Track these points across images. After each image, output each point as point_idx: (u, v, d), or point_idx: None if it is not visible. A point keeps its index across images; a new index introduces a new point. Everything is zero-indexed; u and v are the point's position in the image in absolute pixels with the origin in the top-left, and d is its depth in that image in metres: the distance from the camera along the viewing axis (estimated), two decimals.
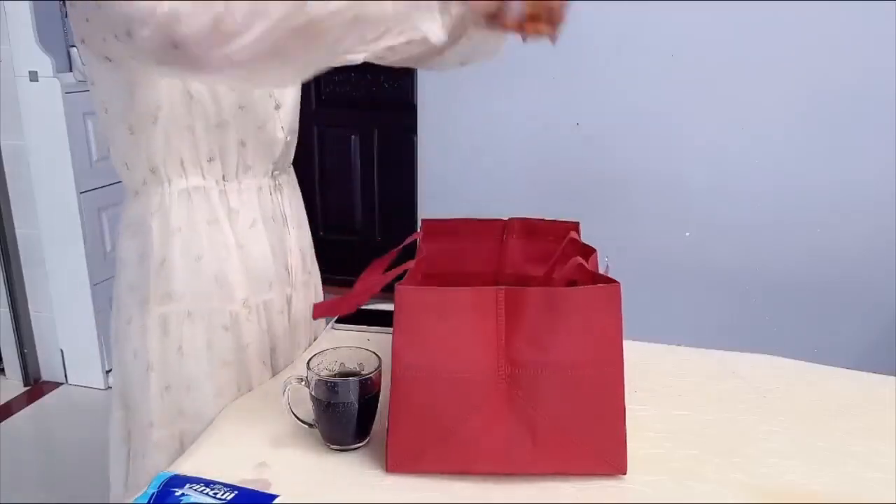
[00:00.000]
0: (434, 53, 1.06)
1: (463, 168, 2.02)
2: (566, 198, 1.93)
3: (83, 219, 2.51)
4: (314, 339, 1.12)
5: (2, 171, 2.54)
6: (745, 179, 1.83)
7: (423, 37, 0.74)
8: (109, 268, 2.61)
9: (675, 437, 0.86)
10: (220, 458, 0.81)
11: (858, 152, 1.74)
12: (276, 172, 1.03)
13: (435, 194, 2.06)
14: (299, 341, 1.10)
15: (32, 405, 2.61)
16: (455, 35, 0.85)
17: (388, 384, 0.77)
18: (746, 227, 1.86)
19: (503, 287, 0.77)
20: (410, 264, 0.86)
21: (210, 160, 0.94)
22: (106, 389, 2.66)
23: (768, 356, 1.08)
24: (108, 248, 2.61)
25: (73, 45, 2.51)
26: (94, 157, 2.54)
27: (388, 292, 0.81)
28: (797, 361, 1.07)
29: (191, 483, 0.70)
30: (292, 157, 1.09)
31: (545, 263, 0.98)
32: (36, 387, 2.71)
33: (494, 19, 0.82)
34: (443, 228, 1.02)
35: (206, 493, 0.68)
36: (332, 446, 0.83)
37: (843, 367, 1.06)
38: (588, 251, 0.88)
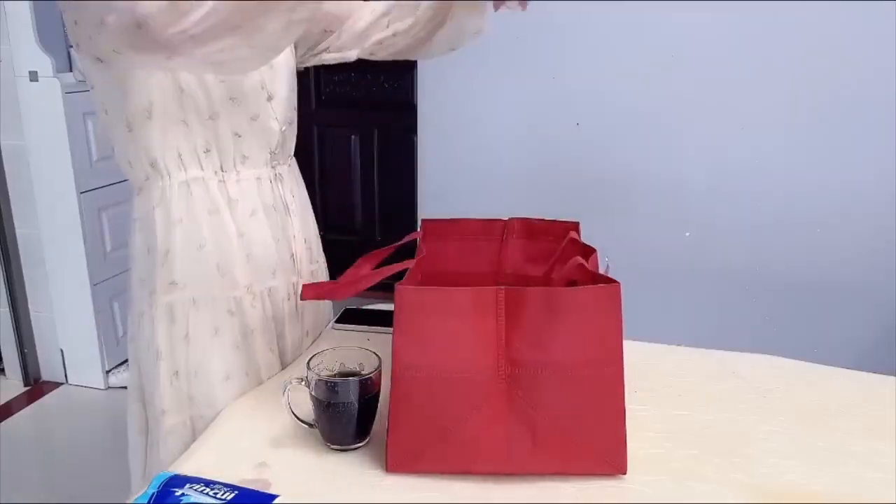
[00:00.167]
0: (422, 42, 1.09)
1: (463, 168, 2.02)
2: (566, 198, 1.93)
3: (83, 219, 2.51)
4: (325, 327, 1.14)
5: (2, 171, 2.54)
6: (744, 179, 1.83)
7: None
8: (109, 268, 2.61)
9: (675, 437, 0.86)
10: (220, 458, 0.81)
11: (858, 152, 1.74)
12: (275, 163, 1.04)
13: (435, 194, 2.06)
14: (308, 329, 1.11)
15: (32, 405, 2.61)
16: (438, 20, 0.86)
17: (388, 384, 0.77)
18: (746, 227, 1.86)
19: (503, 287, 0.77)
20: (410, 264, 0.86)
21: (206, 151, 0.96)
22: (106, 389, 2.66)
23: (768, 356, 1.08)
24: (109, 248, 2.61)
25: (73, 46, 2.51)
26: (94, 157, 2.54)
27: (388, 292, 0.81)
28: (797, 361, 1.07)
29: (191, 483, 0.70)
30: (292, 147, 1.09)
31: (545, 263, 0.98)
32: (36, 387, 2.71)
33: None
34: (443, 228, 1.02)
35: (206, 493, 0.68)
36: (332, 446, 0.83)
37: (843, 367, 1.06)
38: (588, 251, 0.88)
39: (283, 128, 1.03)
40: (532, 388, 0.76)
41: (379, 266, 0.90)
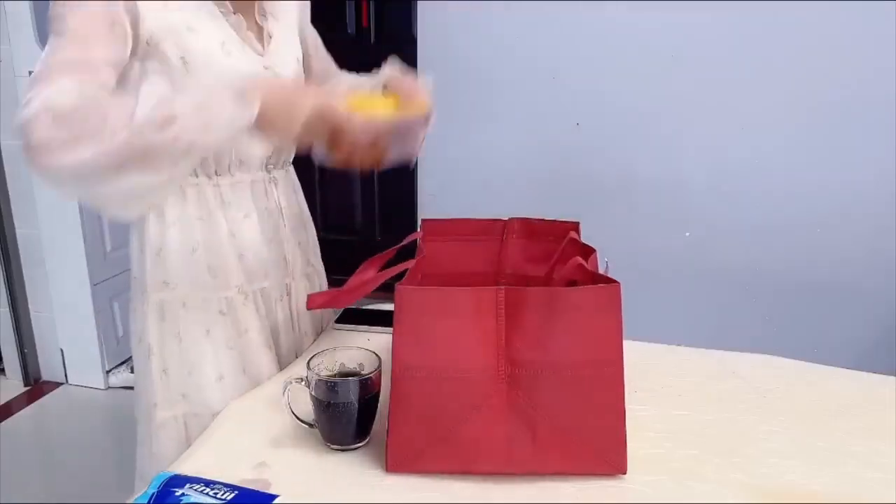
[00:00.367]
0: None
1: (463, 168, 2.02)
2: (566, 198, 1.93)
3: (83, 219, 2.51)
4: (323, 328, 1.15)
5: (2, 171, 2.54)
6: (744, 179, 1.83)
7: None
8: (109, 268, 2.61)
9: (675, 437, 0.86)
10: (220, 458, 0.81)
11: (858, 153, 1.74)
12: (271, 167, 1.05)
13: (435, 194, 2.06)
14: (305, 330, 1.12)
15: (32, 405, 2.60)
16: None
17: (389, 384, 0.77)
18: (746, 227, 1.86)
19: (503, 287, 0.77)
20: (410, 264, 0.86)
21: (202, 158, 0.95)
22: (106, 389, 2.66)
23: (768, 356, 1.08)
24: (108, 248, 2.61)
25: None
26: None
27: (388, 292, 0.81)
28: (797, 361, 1.07)
29: (191, 483, 0.70)
30: (292, 154, 1.10)
31: (545, 263, 0.98)
32: (36, 387, 2.71)
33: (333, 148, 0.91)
34: (443, 228, 1.02)
35: (206, 493, 0.68)
36: (332, 446, 0.83)
37: (843, 367, 1.06)
38: (588, 251, 0.88)
39: None
40: (532, 388, 0.76)
41: (382, 269, 0.90)
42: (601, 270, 0.82)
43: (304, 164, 1.14)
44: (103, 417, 2.53)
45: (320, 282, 1.17)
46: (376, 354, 0.84)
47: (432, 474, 0.77)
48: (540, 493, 0.75)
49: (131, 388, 1.09)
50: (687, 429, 0.88)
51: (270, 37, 1.01)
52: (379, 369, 0.82)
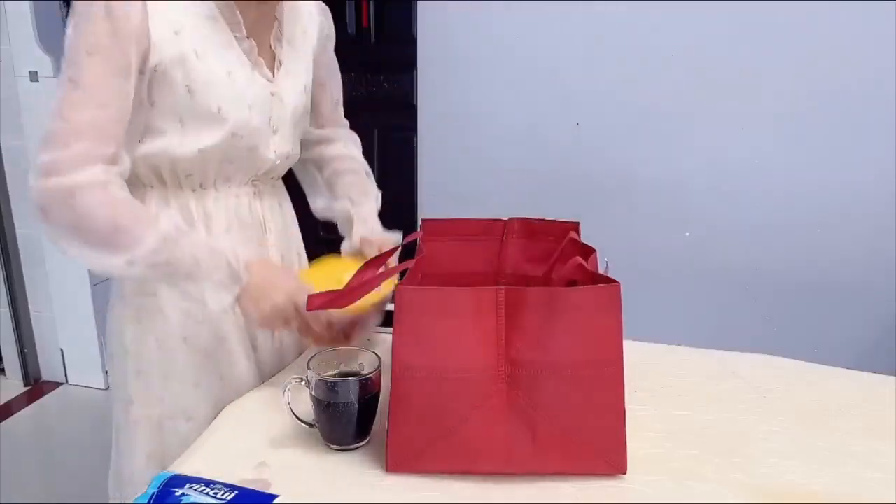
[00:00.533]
0: None
1: (463, 168, 2.02)
2: (566, 198, 1.93)
3: None
4: (300, 353, 1.12)
5: (2, 171, 2.54)
6: (744, 179, 1.83)
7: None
8: None
9: (675, 437, 0.86)
10: (220, 458, 0.81)
11: (858, 153, 1.74)
12: (257, 182, 1.04)
13: (435, 194, 2.06)
14: (288, 344, 1.10)
15: (32, 405, 2.61)
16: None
17: (389, 384, 0.77)
18: (746, 227, 1.86)
19: (503, 287, 0.77)
20: (410, 264, 0.86)
21: (188, 176, 0.96)
22: (106, 389, 2.66)
23: (768, 356, 1.08)
24: None
25: None
26: None
27: None
28: (797, 361, 1.07)
29: (191, 483, 0.70)
30: (283, 172, 1.10)
31: (545, 263, 0.98)
32: (36, 387, 2.71)
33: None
34: (443, 228, 1.02)
35: (206, 493, 0.68)
36: (332, 446, 0.83)
37: (843, 367, 1.06)
38: (588, 251, 0.88)
39: (279, 161, 1.03)
40: (532, 388, 0.76)
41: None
42: (601, 270, 0.82)
43: None
44: (103, 417, 2.52)
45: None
46: (376, 354, 0.84)
47: (432, 474, 0.77)
48: (540, 493, 0.75)
49: None
50: (687, 429, 0.88)
51: (280, 64, 1.01)
52: (379, 369, 0.82)
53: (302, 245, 1.17)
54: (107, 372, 2.66)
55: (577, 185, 1.94)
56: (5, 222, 2.57)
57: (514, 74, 1.93)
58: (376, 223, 1.14)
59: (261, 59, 0.97)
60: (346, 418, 0.81)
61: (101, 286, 2.59)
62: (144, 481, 0.99)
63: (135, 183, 0.95)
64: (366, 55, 3.26)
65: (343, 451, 0.82)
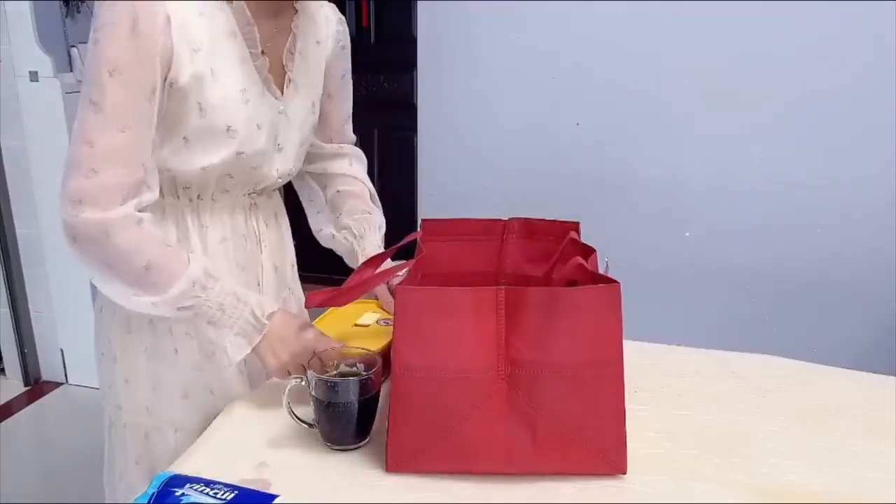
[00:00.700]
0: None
1: (463, 168, 2.02)
2: (566, 198, 1.93)
3: None
4: None
5: (2, 171, 2.54)
6: (745, 179, 1.83)
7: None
8: None
9: (675, 437, 0.86)
10: (220, 458, 0.81)
11: (858, 152, 1.74)
12: (254, 195, 1.03)
13: (435, 194, 2.06)
14: None
15: (32, 405, 2.61)
16: None
17: (389, 384, 0.77)
18: (746, 228, 1.86)
19: (503, 287, 0.77)
20: (410, 264, 0.86)
21: (186, 188, 0.95)
22: None
23: (768, 356, 1.08)
24: None
25: (74, 46, 2.51)
26: None
27: None
28: (797, 361, 1.07)
29: (191, 483, 0.70)
30: (280, 186, 1.08)
31: (545, 263, 0.98)
32: (36, 387, 2.71)
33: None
34: (443, 228, 1.02)
35: (206, 493, 0.68)
36: (332, 446, 0.83)
37: (843, 367, 1.06)
38: (588, 251, 0.88)
39: (280, 178, 1.02)
40: (532, 388, 0.76)
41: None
42: (601, 270, 0.82)
43: None
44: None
45: (297, 303, 1.13)
46: (376, 354, 0.84)
47: (432, 474, 0.77)
48: (540, 493, 0.75)
49: None
50: (687, 429, 0.88)
51: (291, 81, 0.99)
52: (379, 369, 0.82)
53: (295, 257, 1.15)
54: None
55: (577, 185, 1.94)
56: (5, 222, 2.57)
57: (514, 74, 1.93)
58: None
59: (270, 75, 0.95)
60: (346, 418, 0.81)
61: None
62: (133, 482, 1.00)
63: None
64: (366, 55, 3.26)
65: (343, 451, 0.82)
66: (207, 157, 0.91)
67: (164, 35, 0.82)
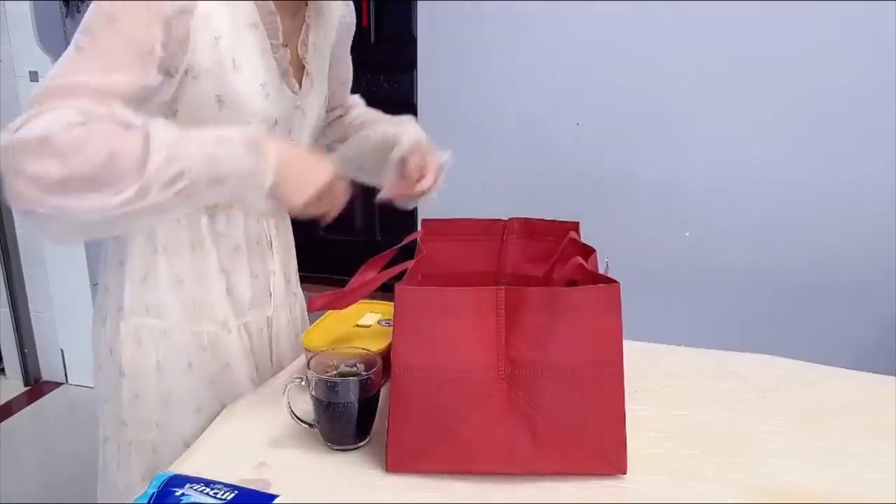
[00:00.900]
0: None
1: (463, 168, 2.02)
2: (566, 198, 1.93)
3: None
4: (293, 360, 1.08)
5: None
6: (745, 179, 1.83)
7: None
8: None
9: (675, 437, 0.86)
10: (220, 458, 0.81)
11: (858, 152, 1.74)
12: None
13: (435, 194, 2.06)
14: (282, 361, 1.08)
15: (32, 405, 2.61)
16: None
17: (389, 384, 0.77)
18: (746, 228, 1.86)
19: (503, 287, 0.77)
20: (410, 264, 0.86)
21: None
22: None
23: (768, 356, 1.08)
24: None
25: None
26: None
27: (388, 292, 0.81)
28: (797, 361, 1.07)
29: (191, 483, 0.70)
30: None
31: (545, 263, 0.98)
32: (36, 387, 2.71)
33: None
34: (443, 228, 1.02)
35: (206, 493, 0.68)
36: (332, 446, 0.83)
37: (843, 367, 1.06)
38: (588, 251, 0.88)
39: None
40: (532, 388, 0.76)
41: (383, 269, 0.90)
42: (601, 270, 0.82)
43: None
44: None
45: (301, 308, 1.13)
46: (376, 354, 0.84)
47: (432, 474, 0.77)
48: (540, 493, 0.75)
49: None
50: (687, 429, 0.88)
51: (308, 74, 0.96)
52: (379, 369, 0.82)
53: (296, 265, 1.13)
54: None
55: (577, 185, 1.94)
56: (5, 222, 2.57)
57: (514, 74, 1.93)
58: (423, 136, 1.08)
59: (290, 68, 0.93)
60: (346, 418, 0.81)
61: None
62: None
63: None
64: (366, 55, 3.26)
65: (343, 451, 0.82)
66: None
67: (176, 9, 0.78)
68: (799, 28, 1.71)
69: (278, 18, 0.89)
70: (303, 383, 0.82)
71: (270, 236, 1.02)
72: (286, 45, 0.92)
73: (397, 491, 0.76)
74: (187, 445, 0.94)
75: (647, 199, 1.91)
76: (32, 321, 2.69)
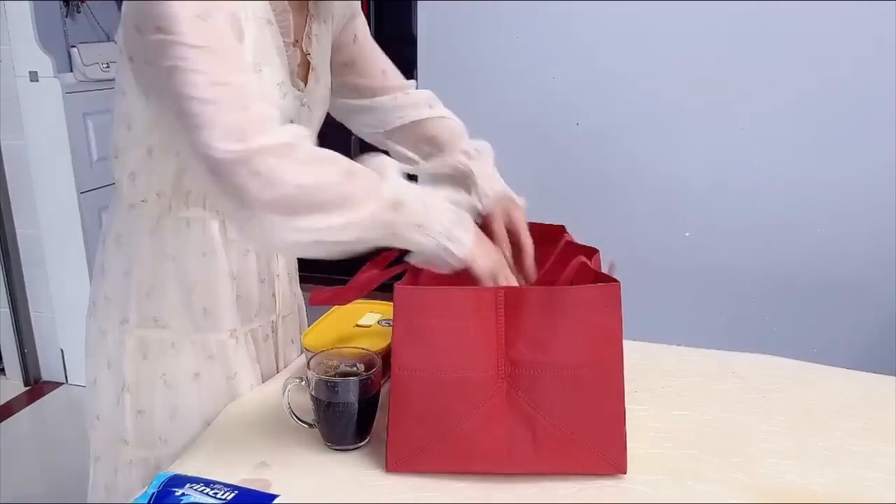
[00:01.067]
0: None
1: None
2: (566, 197, 1.93)
3: (83, 219, 2.51)
4: (293, 361, 1.07)
5: (2, 171, 2.54)
6: (745, 179, 1.83)
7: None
8: None
9: (675, 437, 0.86)
10: (220, 458, 0.81)
11: (858, 152, 1.74)
12: None
13: None
14: (283, 366, 1.06)
15: (32, 405, 2.61)
16: None
17: (389, 384, 0.77)
18: (746, 227, 1.86)
19: (503, 287, 0.77)
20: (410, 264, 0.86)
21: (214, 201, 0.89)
22: None
23: (768, 356, 1.08)
24: None
25: (74, 46, 2.51)
26: (94, 157, 2.54)
27: (387, 292, 0.81)
28: (797, 361, 1.07)
29: (191, 483, 0.70)
30: None
31: (543, 265, 0.98)
32: (36, 387, 2.71)
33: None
34: None
35: (206, 493, 0.68)
36: (332, 446, 0.83)
37: (842, 367, 1.06)
38: (590, 252, 0.87)
39: None
40: (532, 387, 0.76)
41: (389, 266, 0.89)
42: (605, 269, 0.82)
43: None
44: None
45: (300, 307, 1.10)
46: (376, 354, 0.84)
47: (432, 474, 0.77)
48: (540, 493, 0.75)
49: None
50: (687, 429, 0.88)
51: (313, 70, 0.94)
52: (379, 369, 0.82)
53: (296, 264, 1.11)
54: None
55: (577, 185, 1.94)
56: (5, 222, 2.57)
57: (514, 74, 1.93)
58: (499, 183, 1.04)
59: (299, 68, 0.91)
60: (346, 418, 0.81)
61: None
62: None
63: (157, 199, 0.88)
64: None
65: (343, 451, 0.82)
66: None
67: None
68: (799, 28, 1.71)
69: (291, 16, 0.88)
70: (303, 383, 0.82)
71: None
72: (296, 43, 0.90)
73: (397, 491, 0.76)
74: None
75: (647, 198, 1.91)
76: (32, 321, 2.69)
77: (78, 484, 2.08)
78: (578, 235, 0.97)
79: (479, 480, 0.77)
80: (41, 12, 2.40)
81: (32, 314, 2.69)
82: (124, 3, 0.78)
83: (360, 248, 0.76)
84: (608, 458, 0.77)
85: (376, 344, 0.93)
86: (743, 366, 1.05)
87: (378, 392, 0.83)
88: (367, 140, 1.13)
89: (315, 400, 0.81)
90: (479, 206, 0.98)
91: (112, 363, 0.93)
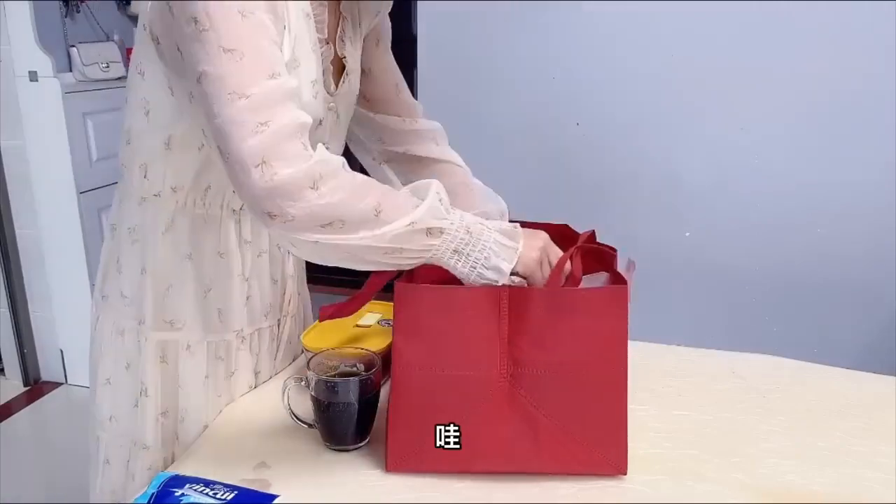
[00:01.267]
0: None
1: None
2: (566, 197, 1.93)
3: (83, 219, 2.51)
4: (293, 360, 1.06)
5: (2, 171, 2.54)
6: (745, 179, 1.83)
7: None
8: None
9: (675, 437, 0.86)
10: (220, 458, 0.81)
11: (858, 152, 1.74)
12: None
13: None
14: (282, 363, 1.05)
15: (32, 405, 2.61)
16: None
17: (389, 384, 0.77)
18: (746, 227, 1.86)
19: (507, 286, 0.77)
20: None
21: (234, 191, 0.82)
22: None
23: (768, 356, 1.08)
24: None
25: (73, 46, 2.51)
26: (94, 157, 2.54)
27: (388, 292, 0.80)
28: (797, 361, 1.07)
29: (191, 483, 0.70)
30: None
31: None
32: (36, 387, 2.71)
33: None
34: None
35: (206, 493, 0.68)
36: (332, 446, 0.83)
37: (842, 367, 1.06)
38: (610, 252, 0.87)
39: None
40: (534, 387, 0.76)
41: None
42: (622, 269, 0.82)
43: None
44: None
45: (305, 306, 1.09)
46: (376, 354, 0.84)
47: (432, 474, 0.77)
48: (540, 493, 0.75)
49: None
50: (687, 429, 0.88)
51: (347, 73, 0.90)
52: (379, 369, 0.82)
53: (304, 263, 1.09)
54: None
55: (577, 185, 1.94)
56: (5, 222, 2.57)
57: (514, 74, 1.93)
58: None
59: (331, 67, 0.87)
60: (346, 418, 0.81)
61: None
62: None
63: (172, 195, 0.85)
64: None
65: (343, 451, 0.82)
66: None
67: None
68: (799, 28, 1.71)
69: (326, 10, 0.84)
70: (303, 383, 0.82)
71: None
72: (329, 41, 0.86)
73: (397, 491, 0.76)
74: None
75: (648, 198, 1.91)
76: (32, 321, 2.69)
77: (78, 484, 2.08)
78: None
79: (480, 480, 0.77)
80: (41, 12, 2.40)
81: (32, 314, 2.68)
82: None
83: (404, 262, 0.76)
84: (609, 459, 0.77)
85: (376, 344, 0.93)
86: (743, 366, 1.05)
87: (378, 392, 0.83)
88: (354, 150, 1.10)
89: (315, 400, 0.81)
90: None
91: (131, 364, 0.91)
